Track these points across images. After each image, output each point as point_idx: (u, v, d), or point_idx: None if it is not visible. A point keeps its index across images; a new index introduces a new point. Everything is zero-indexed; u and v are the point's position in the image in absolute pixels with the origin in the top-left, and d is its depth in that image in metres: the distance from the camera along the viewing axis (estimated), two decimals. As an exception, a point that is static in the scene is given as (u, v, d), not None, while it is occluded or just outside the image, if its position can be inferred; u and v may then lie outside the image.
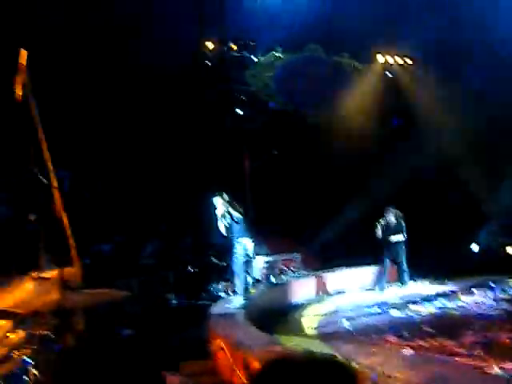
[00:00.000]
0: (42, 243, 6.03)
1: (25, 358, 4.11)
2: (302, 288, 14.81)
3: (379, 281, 14.97)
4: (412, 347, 8.87)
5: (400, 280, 14.84)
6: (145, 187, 16.55)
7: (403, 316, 11.89)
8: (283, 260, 15.67)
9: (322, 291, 14.92)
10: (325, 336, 10.81)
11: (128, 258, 14.52)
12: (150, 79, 15.14)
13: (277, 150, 15.52)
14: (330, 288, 15.07)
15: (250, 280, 12.83)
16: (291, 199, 16.60)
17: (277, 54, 17.03)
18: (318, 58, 17.48)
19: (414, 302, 12.93)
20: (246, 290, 12.38)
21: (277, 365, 1.81)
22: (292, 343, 9.75)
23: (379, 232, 14.63)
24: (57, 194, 3.04)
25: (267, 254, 15.28)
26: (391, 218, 14.75)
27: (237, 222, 12.13)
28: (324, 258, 16.25)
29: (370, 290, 15.15)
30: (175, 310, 14.24)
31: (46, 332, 4.54)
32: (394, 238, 14.64)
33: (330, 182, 16.51)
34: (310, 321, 12.34)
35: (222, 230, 12.35)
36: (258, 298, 13.01)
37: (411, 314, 11.93)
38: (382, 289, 14.74)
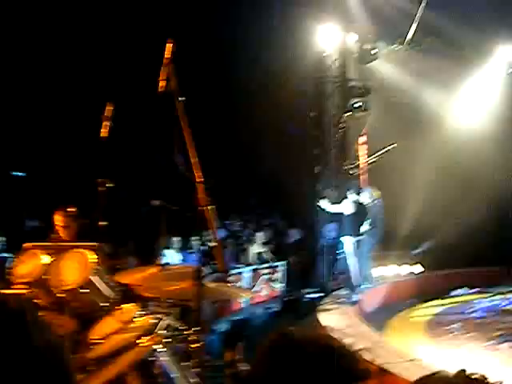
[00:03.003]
0: (163, 231, 6.12)
1: (154, 346, 4.16)
2: (417, 286, 14.51)
3: None
4: None
5: None
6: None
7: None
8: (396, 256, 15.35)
9: (437, 291, 14.48)
10: (432, 335, 10.68)
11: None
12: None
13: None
14: (446, 287, 14.59)
15: (362, 275, 12.71)
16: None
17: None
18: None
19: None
20: (359, 285, 12.26)
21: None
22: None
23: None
24: (200, 188, 3.05)
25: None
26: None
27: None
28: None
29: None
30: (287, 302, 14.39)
31: (173, 321, 4.61)
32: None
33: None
34: (420, 319, 12.16)
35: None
36: (370, 294, 12.87)
37: None
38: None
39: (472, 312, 12.44)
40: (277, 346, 1.80)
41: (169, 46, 3.52)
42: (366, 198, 12.61)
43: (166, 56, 3.50)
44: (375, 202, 12.62)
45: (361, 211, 12.39)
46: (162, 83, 3.43)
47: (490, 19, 14.51)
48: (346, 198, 12.55)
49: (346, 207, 12.31)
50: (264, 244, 15.05)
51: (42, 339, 1.93)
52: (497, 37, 15.72)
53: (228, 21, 15.74)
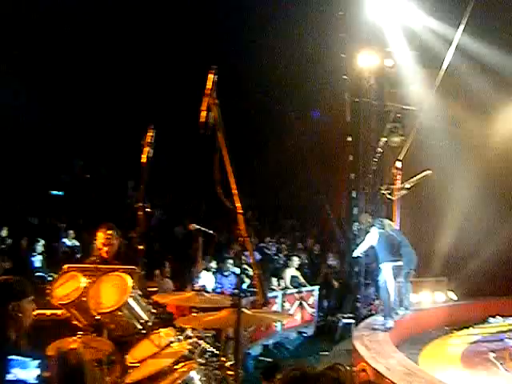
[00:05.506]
0: (199, 254, 6.16)
1: (191, 372, 4.18)
2: (452, 314, 14.31)
3: None
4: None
5: None
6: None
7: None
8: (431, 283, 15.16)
9: (472, 319, 14.27)
10: (468, 364, 10.54)
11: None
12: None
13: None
14: (481, 315, 14.38)
15: (399, 302, 12.60)
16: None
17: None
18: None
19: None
20: (394, 311, 12.14)
21: None
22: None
23: None
24: (241, 219, 3.08)
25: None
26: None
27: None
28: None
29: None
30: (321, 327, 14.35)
31: (210, 347, 4.63)
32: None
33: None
34: (455, 348, 11.99)
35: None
36: (405, 321, 12.74)
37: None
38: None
39: (509, 341, 12.22)
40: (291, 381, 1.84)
41: (210, 76, 3.56)
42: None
43: (207, 86, 3.54)
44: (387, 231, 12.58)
45: (393, 238, 12.35)
46: (203, 113, 3.47)
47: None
48: (372, 228, 12.53)
49: (373, 238, 12.27)
50: (298, 268, 15.00)
51: None
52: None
53: (264, 46, 15.90)
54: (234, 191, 3.13)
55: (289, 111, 16.95)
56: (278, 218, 19.93)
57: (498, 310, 14.67)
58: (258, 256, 15.10)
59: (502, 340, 12.29)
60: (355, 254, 13.08)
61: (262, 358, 11.41)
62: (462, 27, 13.99)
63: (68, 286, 5.35)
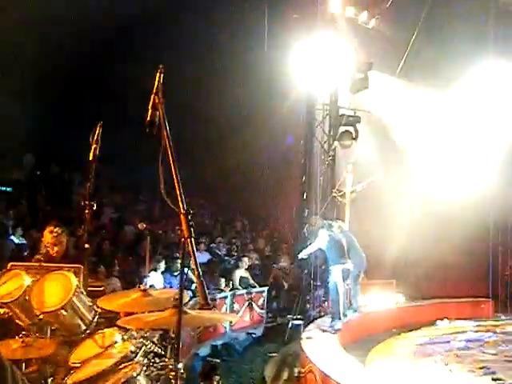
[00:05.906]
0: (148, 254, 6.10)
1: (133, 373, 4.14)
2: (400, 316, 14.49)
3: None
4: None
5: None
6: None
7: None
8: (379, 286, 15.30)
9: (419, 321, 14.46)
10: (415, 366, 10.72)
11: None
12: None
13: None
14: (429, 318, 14.60)
15: (347, 304, 12.69)
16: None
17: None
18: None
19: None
20: (343, 313, 12.21)
21: None
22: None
23: None
24: (183, 219, 3.07)
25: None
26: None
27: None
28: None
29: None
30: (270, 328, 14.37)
31: (154, 347, 4.59)
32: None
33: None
34: (403, 350, 12.14)
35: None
36: (353, 323, 12.84)
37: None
38: None
39: (455, 343, 12.44)
40: None
41: (157, 75, 3.53)
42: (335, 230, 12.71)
43: (154, 84, 3.51)
44: (336, 234, 12.71)
45: (342, 240, 12.46)
46: (149, 111, 3.44)
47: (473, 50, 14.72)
48: (321, 230, 12.61)
49: (321, 241, 12.34)
50: (248, 269, 15.01)
51: None
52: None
53: (218, 49, 15.90)
54: (178, 191, 3.11)
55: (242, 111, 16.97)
56: (230, 219, 19.90)
57: (444, 313, 14.92)
58: (208, 256, 15.10)
59: (448, 342, 12.53)
60: (300, 255, 13.13)
61: (210, 359, 11.38)
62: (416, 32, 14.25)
63: (11, 284, 5.24)
